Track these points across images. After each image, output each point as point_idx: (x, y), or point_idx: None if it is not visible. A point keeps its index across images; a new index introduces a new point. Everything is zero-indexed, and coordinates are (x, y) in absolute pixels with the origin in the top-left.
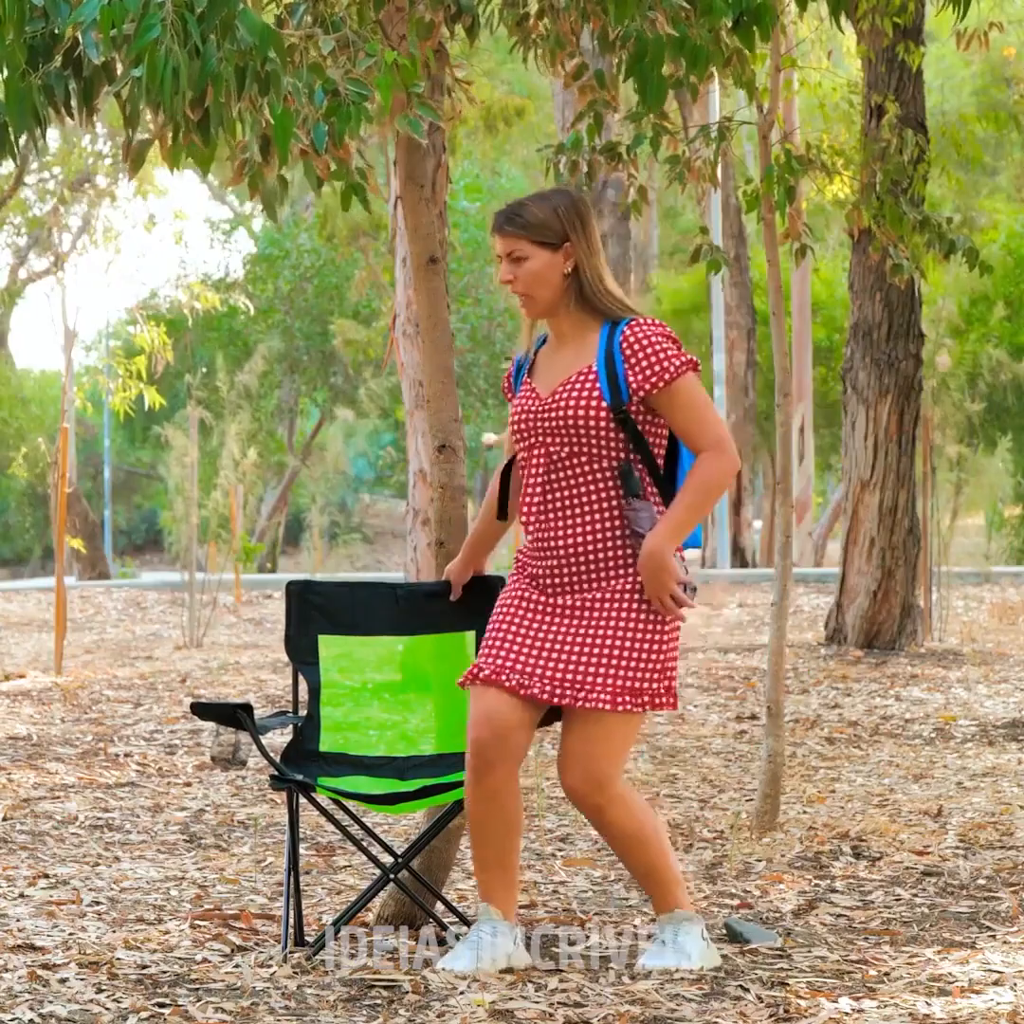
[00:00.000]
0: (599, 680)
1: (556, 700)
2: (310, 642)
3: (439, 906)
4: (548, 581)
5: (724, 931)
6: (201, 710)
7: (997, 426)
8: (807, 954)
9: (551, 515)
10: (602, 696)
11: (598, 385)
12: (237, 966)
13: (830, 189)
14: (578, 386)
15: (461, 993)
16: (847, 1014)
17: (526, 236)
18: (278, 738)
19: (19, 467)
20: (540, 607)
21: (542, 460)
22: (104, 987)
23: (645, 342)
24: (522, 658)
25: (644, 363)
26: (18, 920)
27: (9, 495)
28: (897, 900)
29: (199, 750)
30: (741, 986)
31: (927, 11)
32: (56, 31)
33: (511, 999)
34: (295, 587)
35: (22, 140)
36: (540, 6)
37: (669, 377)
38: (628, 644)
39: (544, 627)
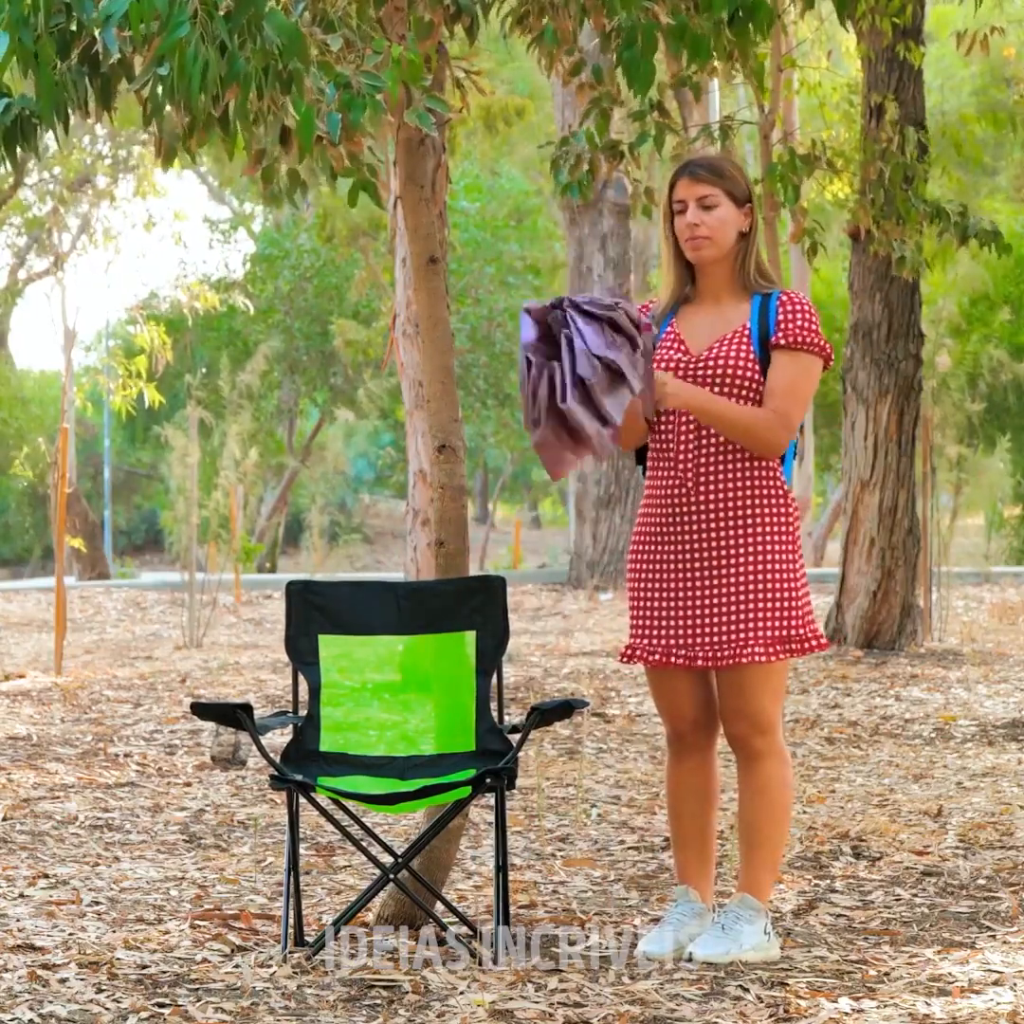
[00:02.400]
0: (753, 634)
1: (716, 665)
2: (310, 642)
3: (439, 906)
4: (685, 530)
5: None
6: (201, 710)
7: (997, 426)
8: (807, 954)
9: (704, 463)
10: (756, 649)
11: (752, 344)
12: (237, 966)
13: (830, 189)
14: (735, 343)
15: (461, 993)
16: (847, 1014)
17: (722, 185)
18: (278, 738)
19: (20, 468)
20: (676, 568)
21: (689, 414)
22: (104, 987)
23: (802, 308)
24: (678, 629)
25: (795, 323)
26: (18, 920)
27: (9, 495)
28: (897, 900)
29: (199, 750)
30: (741, 986)
31: (927, 11)
32: (74, 28)
33: (511, 999)
34: (295, 587)
35: (42, 135)
36: (540, 4)
37: (804, 344)
38: (771, 595)
39: (687, 589)
